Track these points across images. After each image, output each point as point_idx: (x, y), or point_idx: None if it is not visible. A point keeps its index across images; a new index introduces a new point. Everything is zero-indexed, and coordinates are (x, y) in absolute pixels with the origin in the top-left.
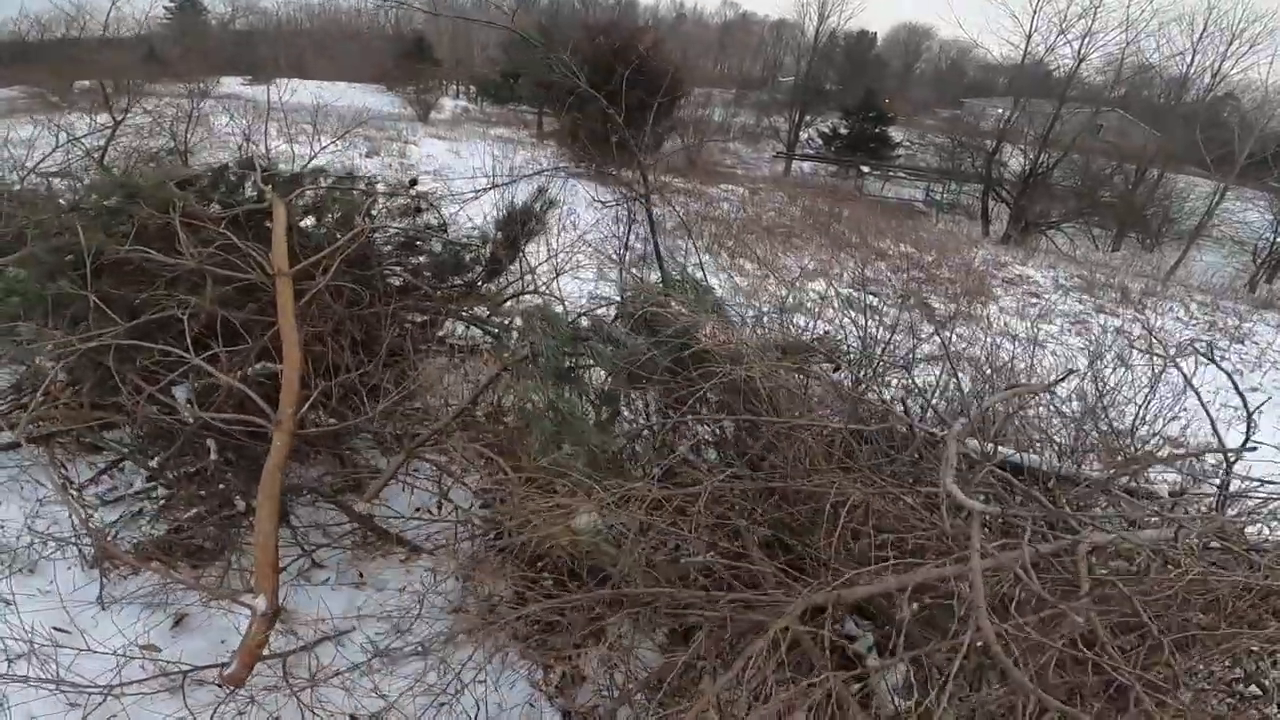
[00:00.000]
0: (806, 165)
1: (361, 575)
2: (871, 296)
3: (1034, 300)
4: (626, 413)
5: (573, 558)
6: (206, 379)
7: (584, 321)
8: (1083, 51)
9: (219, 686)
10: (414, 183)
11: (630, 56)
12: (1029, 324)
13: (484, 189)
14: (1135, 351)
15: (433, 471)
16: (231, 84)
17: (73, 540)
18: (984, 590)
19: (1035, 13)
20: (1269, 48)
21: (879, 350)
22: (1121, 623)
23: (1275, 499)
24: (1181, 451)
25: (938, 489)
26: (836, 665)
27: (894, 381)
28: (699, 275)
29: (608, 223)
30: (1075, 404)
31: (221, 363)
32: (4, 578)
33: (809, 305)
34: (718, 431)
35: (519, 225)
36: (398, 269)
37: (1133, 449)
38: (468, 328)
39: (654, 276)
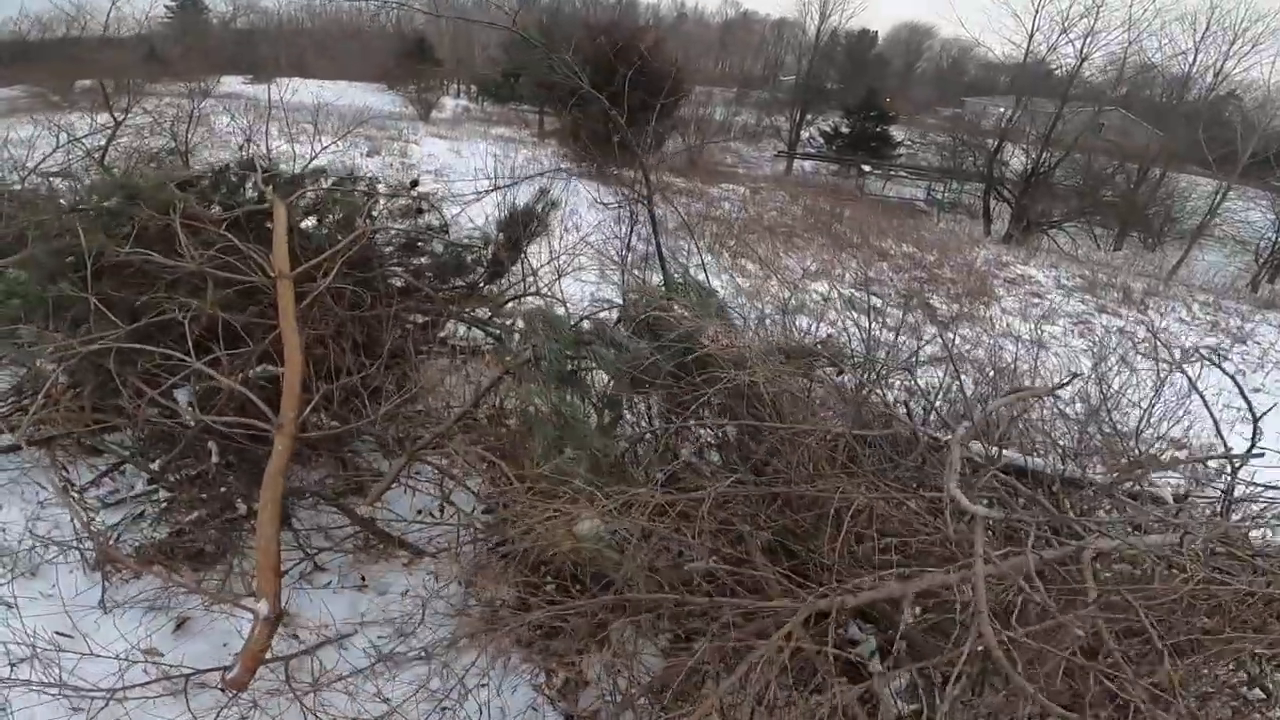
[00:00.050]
0: (808, 164)
1: (364, 579)
2: (874, 297)
3: (1036, 300)
4: (629, 416)
5: (575, 563)
6: (208, 382)
7: (586, 324)
8: (1085, 51)
9: (221, 690)
10: (415, 183)
11: (632, 56)
12: (1032, 325)
13: (486, 191)
14: (1139, 353)
15: (434, 474)
16: (232, 83)
17: (74, 544)
18: (987, 597)
19: (1037, 12)
20: (1271, 47)
21: (882, 353)
22: (1125, 627)
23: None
24: (1185, 454)
25: (942, 493)
26: (839, 670)
27: (897, 384)
28: (701, 277)
29: (609, 223)
30: (1078, 406)
31: (223, 366)
32: (6, 581)
33: (811, 306)
34: (720, 436)
35: (521, 226)
36: (399, 270)
37: (1137, 452)
38: (469, 329)
39: (656, 278)
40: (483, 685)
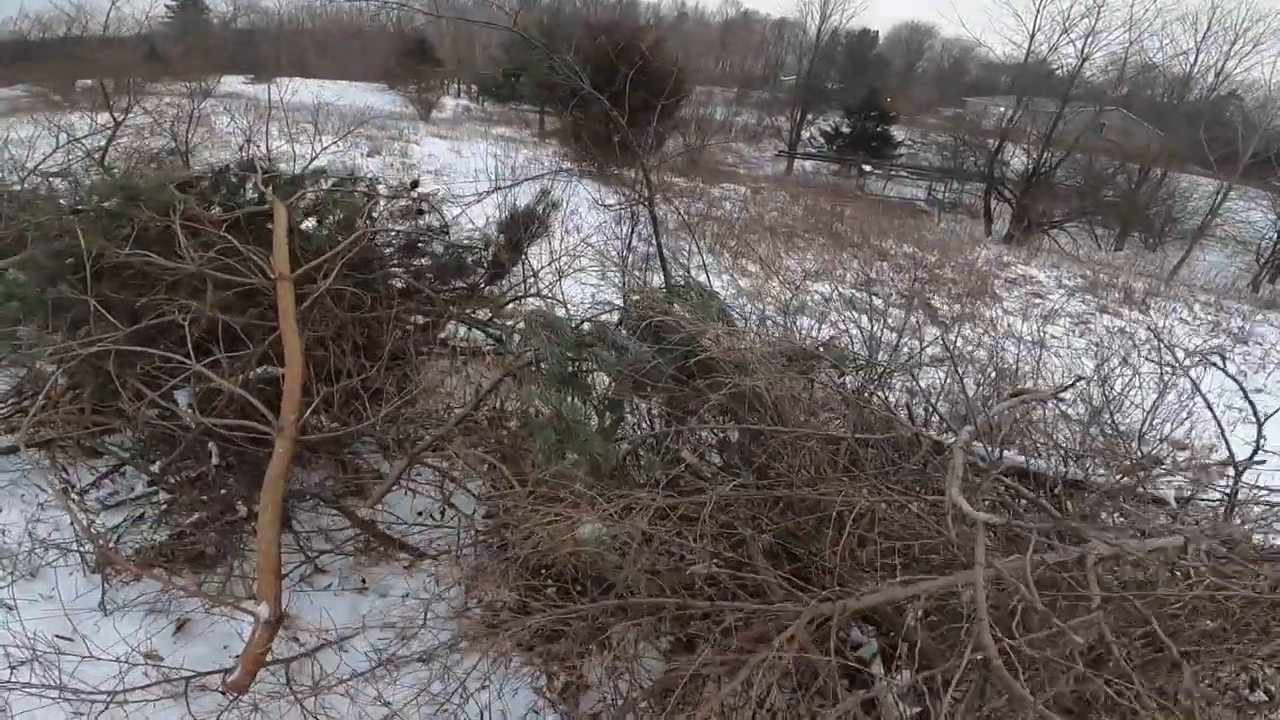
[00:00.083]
0: (808, 164)
1: (364, 581)
2: (875, 298)
3: (1037, 301)
4: (630, 419)
5: (576, 567)
6: (208, 384)
7: (587, 326)
8: (1086, 50)
9: (222, 693)
10: (416, 184)
11: (633, 56)
12: (1033, 325)
13: (486, 192)
14: (1144, 359)
15: (435, 477)
16: (233, 83)
17: (74, 548)
18: (987, 604)
19: (1038, 12)
20: (1272, 47)
21: (884, 354)
22: (1129, 629)
23: None
24: (1186, 455)
25: (944, 496)
26: (841, 673)
27: (899, 385)
28: (702, 278)
29: (610, 224)
30: (1080, 408)
31: (223, 368)
32: (6, 584)
33: (813, 306)
34: (722, 439)
35: (521, 227)
36: (399, 271)
37: (1139, 454)
38: (470, 331)
39: (657, 279)
40: (484, 688)
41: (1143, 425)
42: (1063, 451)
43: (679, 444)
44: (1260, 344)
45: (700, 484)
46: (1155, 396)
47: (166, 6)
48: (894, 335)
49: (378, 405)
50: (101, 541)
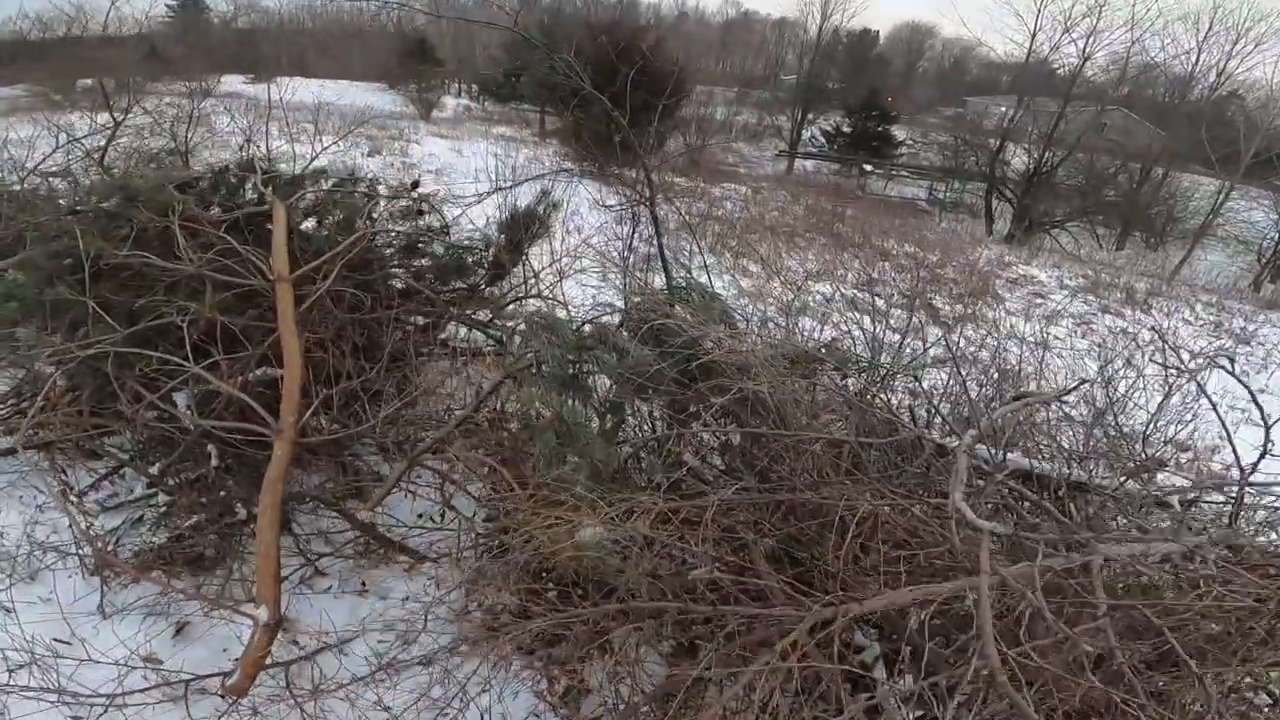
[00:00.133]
0: (809, 164)
1: (364, 584)
2: (877, 298)
3: (1039, 301)
4: (631, 421)
5: (577, 570)
6: (206, 386)
7: (588, 329)
8: (1087, 50)
9: (221, 697)
10: (416, 184)
11: (633, 56)
12: (1036, 325)
13: (487, 192)
14: (1150, 361)
15: (435, 479)
16: (234, 82)
17: (73, 550)
18: (993, 609)
19: (1040, 11)
20: (1274, 47)
21: (886, 356)
22: (1134, 635)
23: None
24: (1190, 457)
25: (948, 500)
26: (843, 677)
27: (901, 387)
28: (704, 278)
29: (612, 225)
30: (1083, 409)
31: (221, 370)
32: (4, 587)
33: (814, 307)
34: (724, 442)
35: (522, 228)
36: (400, 272)
37: (1143, 455)
38: (470, 332)
39: (659, 280)
40: (484, 692)
41: (1147, 427)
42: (1066, 453)
43: (680, 447)
44: (1262, 344)
45: (702, 487)
46: (1160, 399)
47: (167, 6)
48: (896, 336)
49: (377, 407)
50: (100, 544)
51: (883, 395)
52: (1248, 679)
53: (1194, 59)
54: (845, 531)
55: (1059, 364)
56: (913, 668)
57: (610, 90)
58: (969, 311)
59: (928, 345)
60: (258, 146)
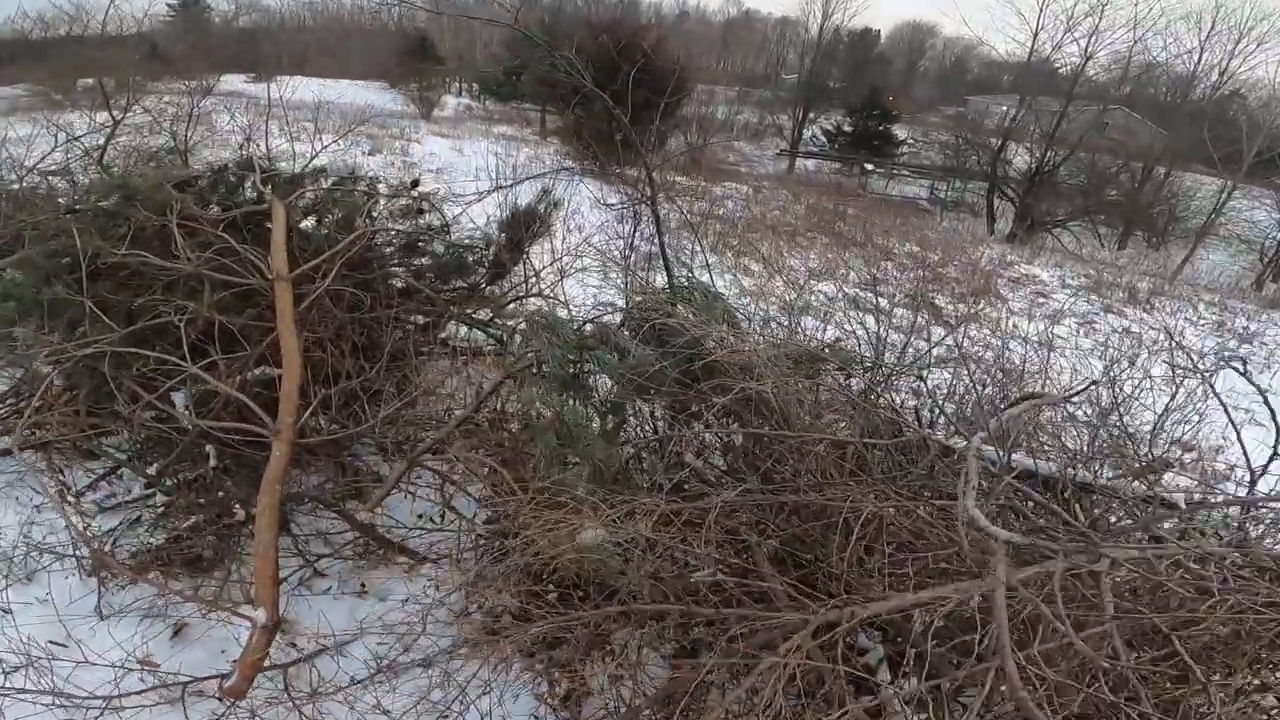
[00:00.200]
0: (810, 163)
1: (363, 585)
2: (880, 298)
3: (1041, 300)
4: (633, 422)
5: (578, 572)
6: (204, 386)
7: (589, 328)
8: (1089, 49)
9: (219, 699)
10: (416, 183)
11: (634, 54)
12: (1039, 325)
13: (487, 191)
14: (1160, 361)
15: (435, 480)
16: (234, 81)
17: (70, 552)
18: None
19: (1042, 10)
20: (1277, 46)
21: (890, 356)
22: (1140, 633)
23: None
24: (1194, 457)
25: (954, 501)
26: (847, 679)
27: (905, 387)
28: (705, 277)
29: (613, 223)
30: (1087, 409)
31: (220, 370)
32: (1, 588)
33: (817, 306)
34: (727, 443)
35: (523, 227)
36: (399, 271)
37: (1150, 456)
38: (470, 331)
39: (660, 279)
40: (484, 695)
41: (1154, 428)
42: (1071, 454)
43: (683, 448)
44: (1265, 344)
45: (704, 489)
46: (1166, 399)
47: (168, 5)
48: (899, 336)
49: (377, 407)
50: (97, 545)
51: (887, 395)
52: (1256, 682)
53: (1196, 58)
54: (849, 533)
55: (1063, 363)
56: (916, 670)
57: (611, 88)
58: (972, 311)
59: (932, 345)
60: (257, 145)
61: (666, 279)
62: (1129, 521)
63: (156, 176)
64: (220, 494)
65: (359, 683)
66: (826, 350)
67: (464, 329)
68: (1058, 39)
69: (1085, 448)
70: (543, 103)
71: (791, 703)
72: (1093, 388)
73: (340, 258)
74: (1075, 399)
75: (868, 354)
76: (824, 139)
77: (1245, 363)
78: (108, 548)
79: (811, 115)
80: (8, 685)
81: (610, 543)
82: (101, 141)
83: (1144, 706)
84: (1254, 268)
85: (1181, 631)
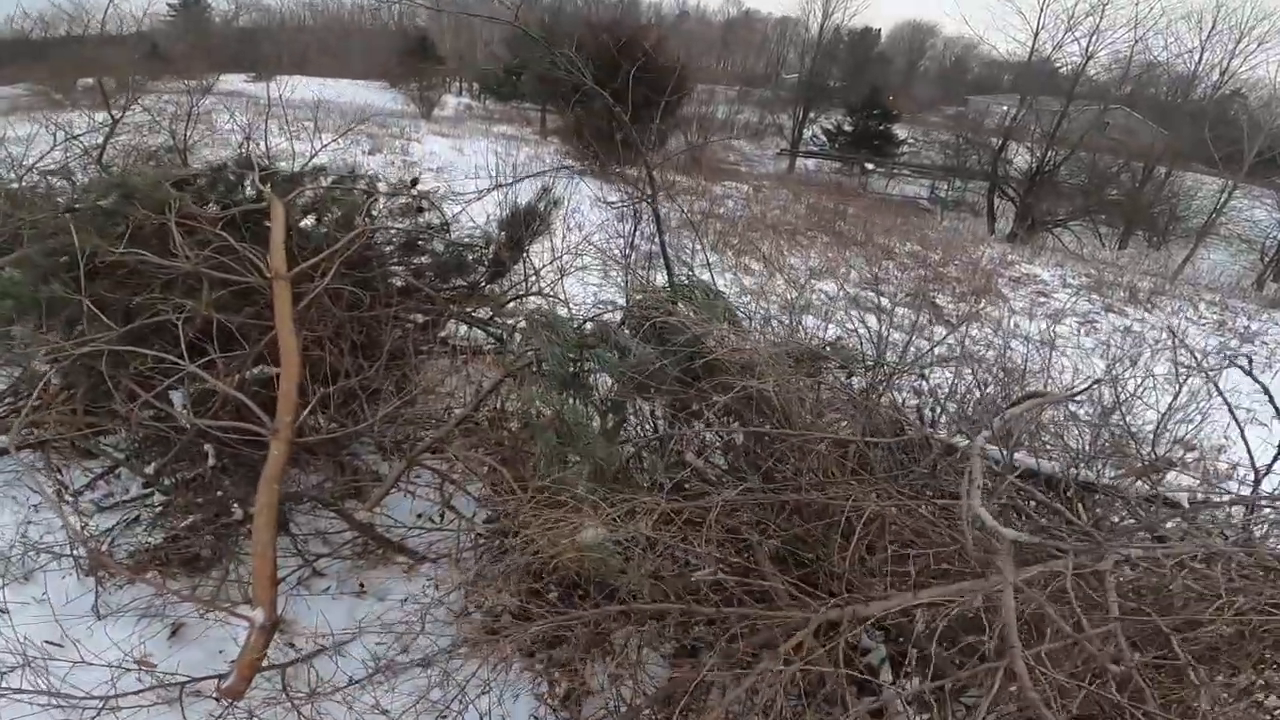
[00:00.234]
0: (810, 163)
1: (362, 585)
2: (881, 297)
3: (1042, 300)
4: (633, 421)
5: (578, 571)
6: (202, 385)
7: (589, 326)
8: (1090, 49)
9: (217, 700)
10: (415, 181)
11: (634, 53)
12: (1040, 324)
13: (487, 189)
14: (1165, 360)
15: (435, 479)
16: (234, 81)
17: (68, 552)
18: (992, 609)
19: (1043, 9)
20: (1278, 45)
21: (892, 355)
22: (1144, 633)
23: None
24: (1195, 456)
25: (956, 500)
26: (849, 679)
27: (907, 386)
28: (706, 276)
29: (613, 222)
30: (1088, 409)
31: (218, 368)
32: None
33: (818, 305)
34: (728, 441)
35: (523, 225)
36: (399, 270)
37: (1153, 456)
38: (470, 330)
39: (660, 278)
40: (484, 695)
41: (1157, 427)
42: (1073, 453)
43: (683, 446)
44: (1266, 343)
45: (705, 487)
46: (1169, 398)
47: (168, 5)
48: (900, 335)
49: (376, 406)
50: (94, 545)
51: (889, 394)
52: (1260, 681)
53: (1197, 58)
54: (851, 532)
55: (1065, 362)
56: (919, 670)
57: (611, 86)
58: (973, 310)
59: (934, 343)
60: (257, 144)
61: (667, 277)
62: (1132, 521)
63: (155, 175)
64: (218, 493)
65: (357, 682)
66: (828, 349)
67: (464, 328)
68: (1058, 38)
69: (1087, 447)
70: (543, 102)
71: (793, 703)
72: (1095, 386)
73: (339, 256)
74: (1078, 398)
75: (869, 353)
76: (824, 138)
77: (1251, 360)
78: (105, 547)
79: (812, 115)
80: (4, 685)
81: (610, 541)
82: (100, 140)
83: (1149, 706)
84: (1255, 267)
85: (1187, 633)
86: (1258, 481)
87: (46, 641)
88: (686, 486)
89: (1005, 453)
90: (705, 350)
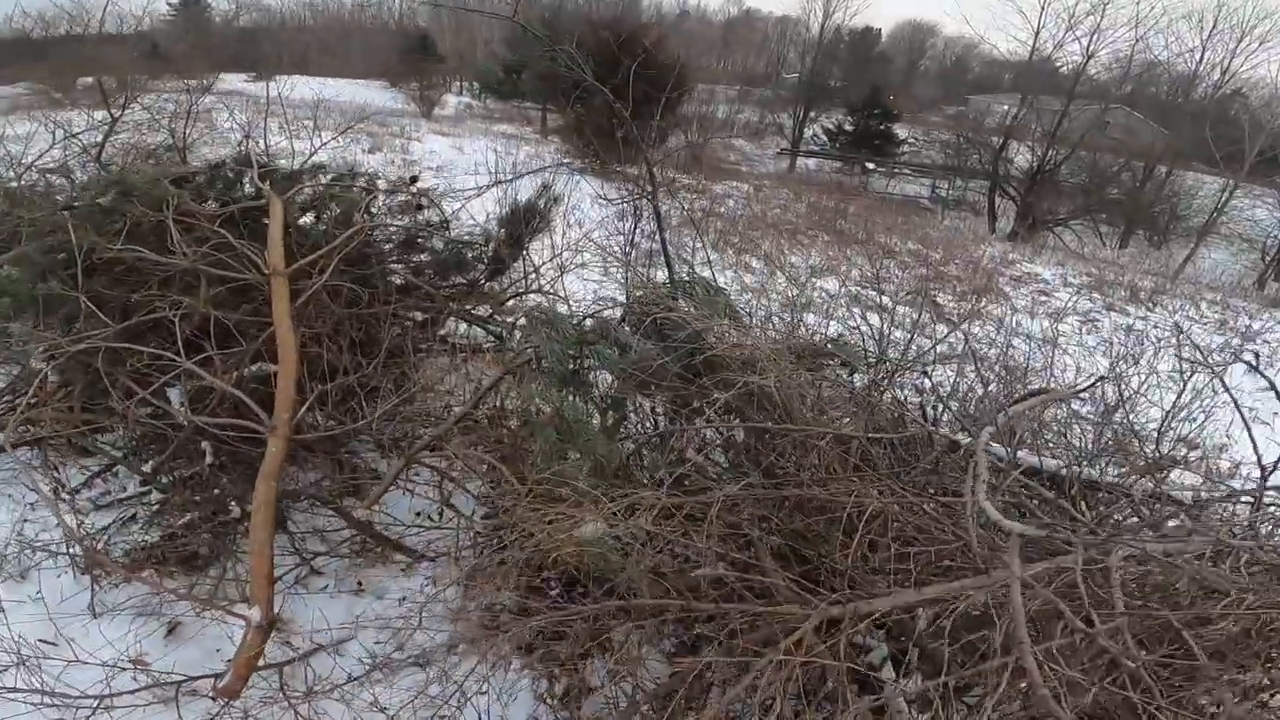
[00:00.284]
0: (811, 162)
1: (360, 583)
2: (883, 296)
3: (1044, 299)
4: (634, 417)
5: (578, 567)
6: (200, 382)
7: (589, 323)
8: (1091, 48)
9: (213, 699)
10: (415, 179)
11: (635, 50)
12: (1042, 323)
13: (487, 185)
14: (1169, 356)
15: (433, 477)
16: (235, 81)
17: (64, 550)
18: (996, 606)
19: (1043, 9)
20: (1279, 45)
21: (894, 352)
22: (1151, 635)
23: None
24: (1198, 455)
25: (959, 497)
26: (850, 678)
27: (908, 384)
28: (707, 274)
29: (613, 220)
30: (1091, 407)
31: (215, 365)
32: None
33: (819, 303)
34: (728, 437)
35: (522, 222)
36: (398, 267)
37: (1157, 453)
38: (470, 327)
39: (661, 275)
40: (482, 693)
41: (1162, 425)
42: (1076, 451)
43: (684, 443)
44: (1268, 341)
45: (706, 484)
46: (1176, 396)
47: (168, 4)
48: (902, 333)
49: (375, 403)
50: (90, 543)
51: (891, 391)
52: (1266, 681)
53: (1198, 57)
54: (853, 529)
55: (1067, 361)
56: (921, 669)
57: (611, 82)
58: (974, 309)
59: (937, 340)
60: (256, 142)
61: (668, 275)
62: (1135, 520)
63: (153, 172)
64: (216, 491)
65: (355, 679)
66: (830, 345)
67: (463, 326)
68: (1059, 38)
69: (1091, 445)
70: (543, 101)
71: (793, 702)
72: (1099, 384)
73: (338, 253)
74: (1081, 395)
75: (871, 349)
76: (825, 138)
77: (1258, 356)
78: (101, 545)
79: (812, 114)
80: None
81: (610, 537)
82: (100, 139)
83: (1159, 702)
84: (1256, 266)
85: (1198, 629)
86: (1264, 479)
87: (40, 640)
88: (687, 483)
89: (1008, 450)
90: (706, 346)
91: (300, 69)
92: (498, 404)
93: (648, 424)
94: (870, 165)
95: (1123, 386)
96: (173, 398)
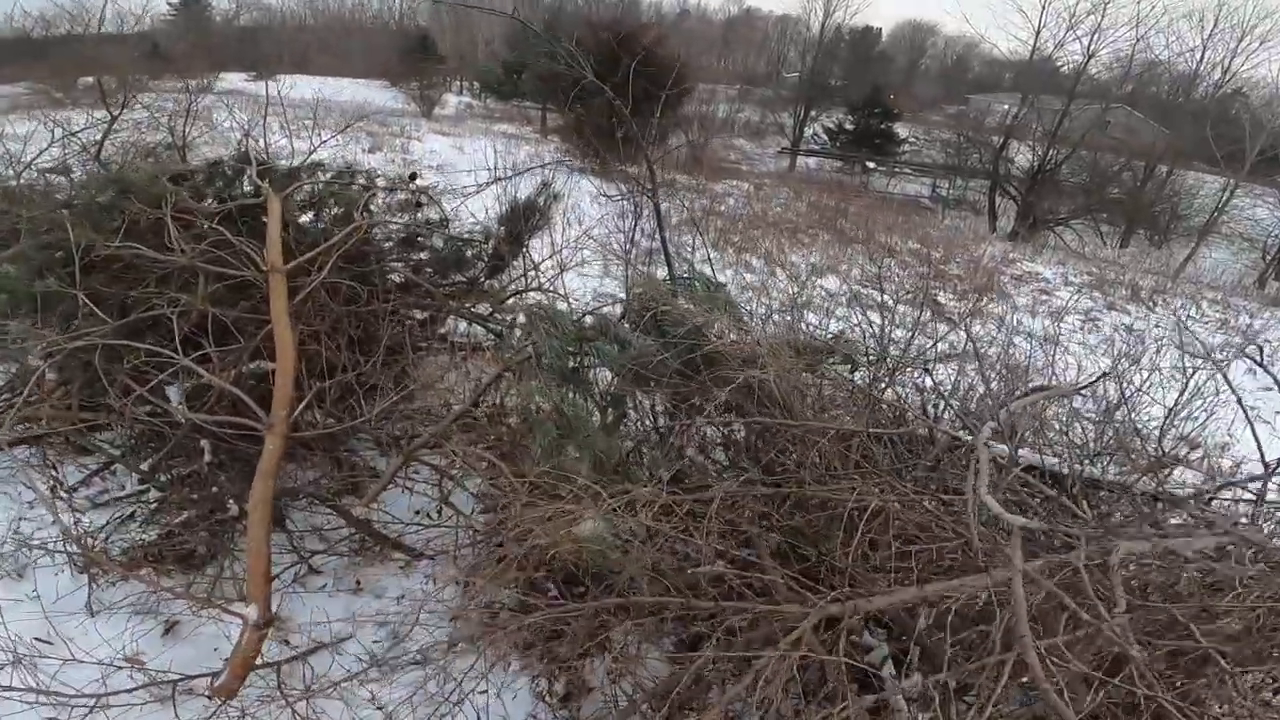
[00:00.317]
0: (811, 161)
1: (359, 582)
2: (884, 295)
3: (1044, 298)
4: (633, 414)
5: (577, 565)
6: (197, 379)
7: (589, 320)
8: (1092, 47)
9: (209, 698)
10: (414, 177)
11: (635, 49)
12: (1043, 321)
13: (486, 183)
14: (1173, 349)
15: (433, 474)
16: (235, 80)
17: (61, 548)
18: (1000, 604)
19: (1044, 8)
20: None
21: (895, 350)
22: (1154, 633)
23: None
24: (1199, 454)
25: (960, 495)
26: (850, 676)
27: (909, 382)
28: (708, 272)
29: (613, 218)
30: (1092, 405)
31: (213, 363)
32: None
33: (819, 302)
34: (729, 434)
35: (522, 220)
36: (398, 265)
37: (1158, 452)
38: (469, 325)
39: (661, 272)
40: (481, 691)
41: (1164, 423)
42: (1077, 449)
43: (684, 440)
44: (1269, 340)
45: (706, 480)
46: (1178, 394)
47: (169, 4)
48: (903, 332)
49: (373, 401)
50: (86, 541)
51: (892, 389)
52: (1267, 679)
53: (1198, 56)
54: (853, 527)
55: (1069, 359)
56: (922, 668)
57: (612, 81)
58: (975, 307)
59: (938, 338)
60: (256, 141)
61: (668, 272)
62: (1136, 517)
63: (152, 170)
64: (214, 489)
65: (354, 676)
66: (831, 341)
67: (463, 323)
68: (1060, 37)
69: (1092, 443)
70: (543, 100)
71: (793, 701)
72: (1100, 382)
73: (336, 250)
74: (1083, 392)
75: (872, 347)
76: (825, 137)
77: (1262, 350)
78: (98, 544)
79: (813, 113)
80: None
81: (609, 533)
82: (99, 137)
83: (1164, 697)
84: (1256, 266)
85: (1203, 625)
86: (1266, 477)
87: (37, 639)
88: (687, 480)
89: (1010, 447)
90: (706, 342)
91: (300, 68)
92: (497, 401)
93: (647, 421)
94: (871, 164)
95: (1124, 384)
96: (171, 395)
